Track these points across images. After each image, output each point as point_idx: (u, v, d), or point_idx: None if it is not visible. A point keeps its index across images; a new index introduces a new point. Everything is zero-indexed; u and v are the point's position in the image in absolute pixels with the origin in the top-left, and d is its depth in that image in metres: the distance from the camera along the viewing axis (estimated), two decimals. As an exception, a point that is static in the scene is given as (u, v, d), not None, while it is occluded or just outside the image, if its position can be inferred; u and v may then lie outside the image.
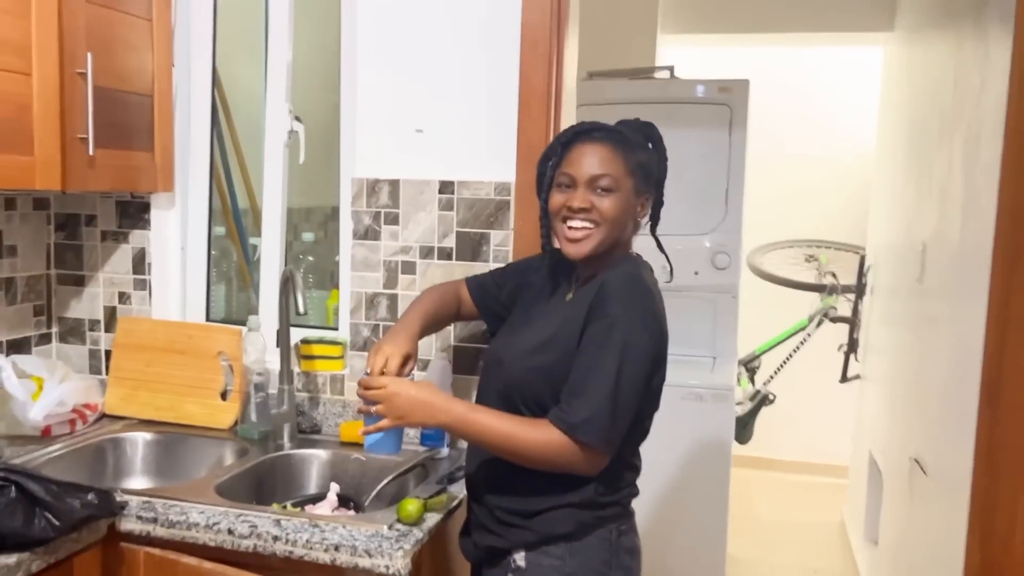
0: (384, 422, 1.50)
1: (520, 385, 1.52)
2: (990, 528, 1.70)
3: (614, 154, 1.51)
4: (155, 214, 2.26)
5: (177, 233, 2.29)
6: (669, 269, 1.68)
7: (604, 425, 1.41)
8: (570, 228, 1.52)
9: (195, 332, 2.20)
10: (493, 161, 2.03)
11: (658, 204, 1.61)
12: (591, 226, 1.51)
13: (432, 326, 1.77)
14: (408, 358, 1.61)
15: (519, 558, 1.52)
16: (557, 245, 1.60)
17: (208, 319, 2.37)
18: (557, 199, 1.54)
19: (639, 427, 1.55)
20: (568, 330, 1.49)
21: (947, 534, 2.16)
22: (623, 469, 1.55)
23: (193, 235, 2.33)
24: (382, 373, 1.56)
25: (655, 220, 1.62)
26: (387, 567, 1.49)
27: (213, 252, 2.40)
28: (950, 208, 2.46)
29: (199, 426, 2.14)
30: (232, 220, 2.63)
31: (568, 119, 2.12)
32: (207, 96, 2.31)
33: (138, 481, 2.07)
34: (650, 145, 1.59)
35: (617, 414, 1.43)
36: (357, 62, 2.12)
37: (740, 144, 3.34)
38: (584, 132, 1.56)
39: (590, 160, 1.51)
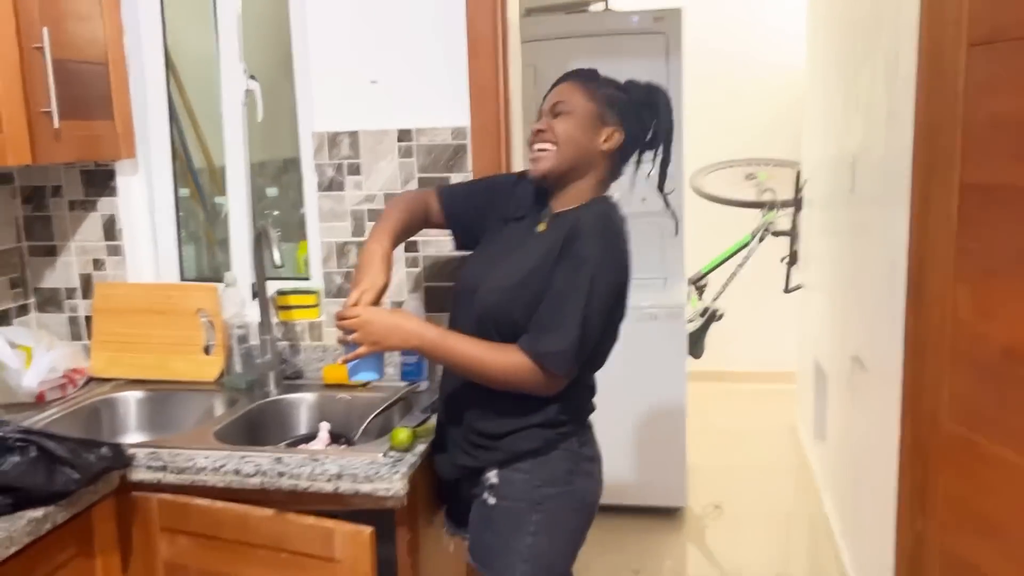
0: (361, 349, 1.61)
1: (497, 315, 1.64)
2: (919, 410, 1.88)
3: (575, 86, 1.65)
4: (121, 181, 2.32)
5: (144, 198, 2.35)
6: (675, 224, 1.86)
7: (568, 357, 1.56)
8: (532, 150, 1.66)
9: (173, 292, 2.29)
10: (448, 106, 2.12)
11: (665, 162, 1.70)
12: (548, 146, 1.63)
13: (403, 238, 1.83)
14: (384, 289, 1.70)
15: (492, 475, 1.68)
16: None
17: (182, 279, 2.44)
18: (531, 127, 1.68)
19: (599, 356, 1.69)
20: (544, 266, 1.60)
21: (884, 420, 2.37)
22: (581, 391, 1.71)
23: (160, 198, 2.39)
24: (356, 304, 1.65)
25: (663, 177, 1.72)
26: (387, 490, 1.63)
27: (179, 213, 2.46)
28: (874, 121, 2.62)
29: (186, 381, 2.25)
30: (192, 181, 2.68)
31: (515, 59, 2.22)
32: (160, 60, 2.35)
33: (135, 437, 2.17)
34: (650, 103, 1.68)
35: (580, 346, 1.57)
36: (307, 15, 2.17)
37: (677, 71, 3.46)
38: (565, 76, 1.69)
39: (554, 94, 1.67)
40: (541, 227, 1.69)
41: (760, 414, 4.74)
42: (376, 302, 1.67)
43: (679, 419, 3.42)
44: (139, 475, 1.73)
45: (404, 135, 2.15)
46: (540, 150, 1.65)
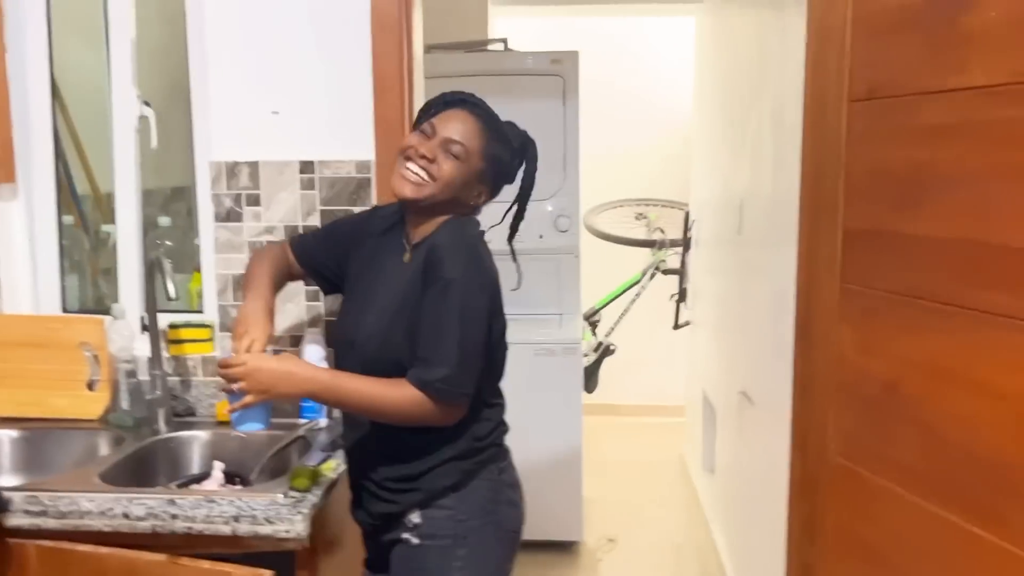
0: (248, 398, 1.55)
1: (380, 361, 1.60)
2: (807, 444, 1.97)
3: (479, 132, 1.62)
4: (-2, 206, 2.20)
5: (23, 224, 2.23)
6: (518, 278, 1.80)
7: (456, 382, 1.54)
8: (408, 168, 1.59)
9: (55, 324, 2.17)
10: (352, 140, 2.11)
11: (519, 216, 1.73)
12: (426, 176, 1.58)
13: (277, 290, 1.79)
14: (269, 340, 1.66)
15: (414, 516, 1.63)
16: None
17: (64, 310, 2.32)
18: (412, 140, 1.62)
19: (492, 371, 1.67)
20: (411, 298, 1.58)
21: (772, 454, 2.46)
22: (488, 413, 1.69)
23: (40, 225, 2.27)
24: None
25: (514, 230, 1.73)
26: (287, 531, 1.58)
27: (63, 241, 2.34)
28: (762, 166, 2.75)
29: (67, 419, 2.12)
30: (75, 208, 2.56)
31: (419, 94, 2.23)
32: (45, 81, 2.24)
33: (8, 479, 2.03)
34: (521, 156, 1.69)
35: (466, 369, 1.55)
36: (206, 43, 2.12)
37: (574, 112, 3.55)
38: (468, 103, 1.65)
39: (457, 125, 1.60)
40: (406, 257, 1.67)
41: (651, 447, 4.84)
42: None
43: (576, 453, 3.45)
44: (15, 520, 1.63)
45: (306, 167, 2.12)
46: (417, 175, 1.59)
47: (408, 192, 1.59)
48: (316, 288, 2.15)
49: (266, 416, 1.64)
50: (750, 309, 2.92)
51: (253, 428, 1.64)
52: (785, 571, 2.13)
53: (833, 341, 1.84)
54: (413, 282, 1.59)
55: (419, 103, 2.21)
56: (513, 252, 1.76)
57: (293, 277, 1.87)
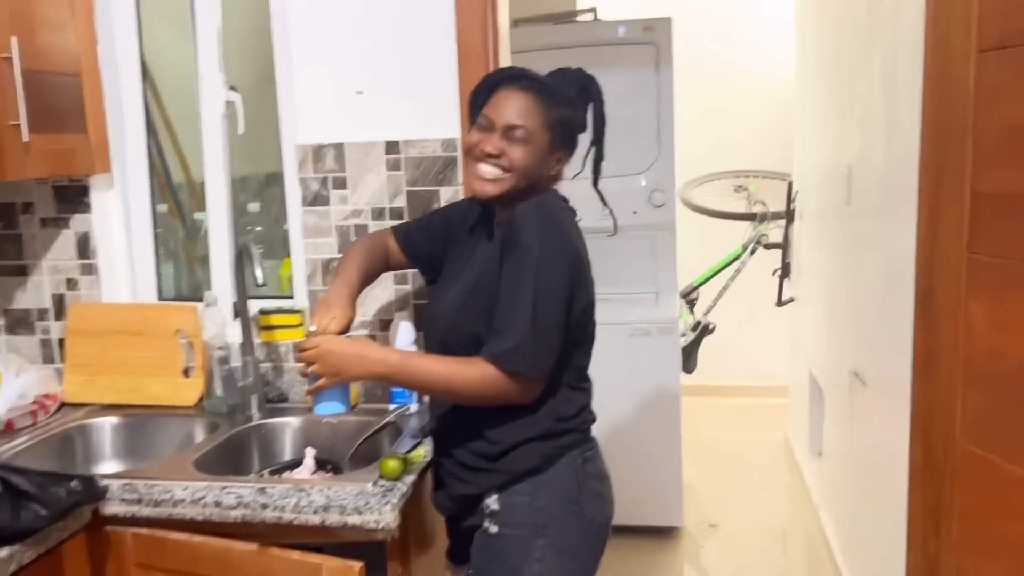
0: (321, 380, 1.53)
1: (456, 333, 1.56)
2: (931, 429, 1.82)
3: (535, 106, 1.54)
4: (95, 196, 2.22)
5: (120, 214, 2.26)
6: (613, 222, 1.72)
7: (528, 352, 1.46)
8: (480, 168, 1.55)
9: (150, 312, 2.19)
10: (437, 118, 2.04)
11: (599, 156, 1.63)
12: (500, 172, 1.54)
13: (367, 281, 1.77)
14: (349, 324, 1.63)
15: (492, 502, 1.58)
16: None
17: (160, 298, 2.35)
18: (473, 138, 1.57)
19: (576, 350, 1.59)
20: (490, 269, 1.53)
21: (889, 439, 2.30)
22: (570, 393, 1.60)
23: (136, 214, 2.30)
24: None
25: (596, 174, 1.65)
26: (377, 522, 1.54)
27: (157, 230, 2.37)
28: (872, 131, 2.57)
29: (164, 405, 2.15)
30: (171, 196, 2.59)
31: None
32: (136, 70, 2.26)
33: (110, 466, 2.07)
34: (584, 100, 1.60)
35: (540, 339, 1.47)
36: (290, 25, 2.09)
37: (668, 82, 3.41)
38: (512, 78, 1.57)
39: (511, 107, 1.53)
40: (492, 239, 1.63)
41: (752, 429, 4.68)
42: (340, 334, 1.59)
43: (674, 436, 3.34)
44: (113, 508, 1.63)
45: (392, 147, 2.07)
46: (491, 172, 1.54)
47: (490, 191, 1.56)
48: (403, 272, 2.11)
49: (344, 398, 1.61)
50: (862, 284, 2.74)
51: (330, 411, 1.61)
52: (906, 563, 1.99)
53: (959, 316, 1.68)
54: (492, 256, 1.55)
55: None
56: (602, 196, 1.66)
57: (391, 267, 1.85)
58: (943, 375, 1.79)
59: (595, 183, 1.66)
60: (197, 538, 1.59)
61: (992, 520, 1.63)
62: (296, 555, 1.53)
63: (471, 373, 1.49)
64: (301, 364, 1.57)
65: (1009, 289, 1.53)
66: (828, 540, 3.26)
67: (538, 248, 1.47)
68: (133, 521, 1.64)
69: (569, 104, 1.58)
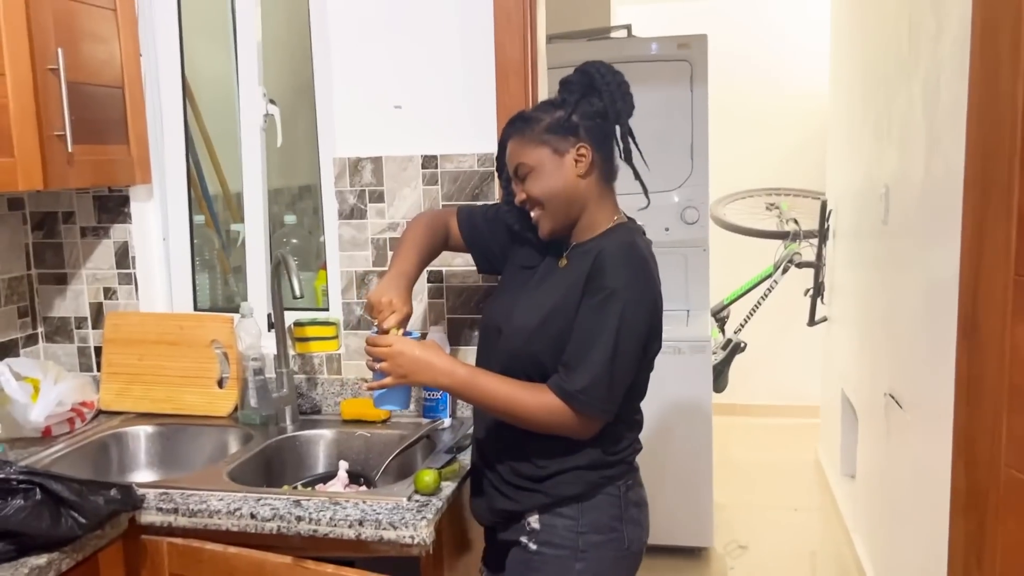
0: (388, 380, 1.53)
1: (523, 357, 1.55)
2: (974, 456, 1.78)
3: (518, 140, 1.56)
4: (135, 207, 2.24)
5: (158, 224, 2.28)
6: (646, 199, 1.67)
7: (601, 396, 1.47)
8: (531, 217, 1.60)
9: (186, 322, 2.20)
10: (474, 133, 2.05)
11: (625, 136, 1.58)
12: (537, 211, 1.57)
13: (425, 263, 1.75)
14: (408, 317, 1.61)
15: (533, 520, 1.57)
16: None
17: (196, 308, 2.36)
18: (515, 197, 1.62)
19: (637, 388, 1.59)
20: (568, 302, 1.52)
21: (927, 463, 2.26)
22: (624, 430, 1.61)
23: (174, 225, 2.32)
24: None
25: (627, 151, 1.59)
26: (412, 537, 1.53)
27: (194, 241, 2.39)
28: (912, 150, 2.54)
29: (198, 415, 2.15)
30: (207, 208, 2.61)
31: (542, 85, 2.15)
32: (177, 83, 2.28)
33: (144, 474, 2.08)
34: (593, 90, 1.54)
35: (613, 384, 1.48)
36: (330, 40, 2.11)
37: (702, 99, 3.39)
38: (508, 129, 1.61)
39: (511, 155, 1.59)
40: (562, 262, 1.61)
41: (784, 449, 4.62)
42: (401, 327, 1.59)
43: (705, 455, 3.31)
44: (149, 517, 1.64)
45: (429, 161, 2.07)
46: (534, 216, 1.59)
47: (546, 231, 1.59)
48: (440, 285, 2.11)
49: (405, 399, 1.63)
50: (899, 305, 2.70)
51: (391, 408, 1.64)
52: (947, 593, 1.94)
53: (1005, 341, 1.65)
54: (573, 286, 1.52)
55: (542, 94, 2.13)
56: (635, 171, 1.62)
57: (450, 247, 1.82)
58: (987, 400, 1.75)
59: (628, 158, 1.61)
60: (232, 549, 1.59)
61: (1039, 549, 1.59)
62: (331, 569, 1.52)
63: (535, 401, 1.49)
64: (363, 366, 1.58)
65: (1059, 312, 1.50)
66: (861, 565, 3.21)
67: (625, 294, 1.47)
68: (169, 531, 1.64)
69: (554, 107, 1.56)
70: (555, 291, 1.57)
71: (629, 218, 1.64)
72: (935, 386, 2.17)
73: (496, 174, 1.67)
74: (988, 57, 1.68)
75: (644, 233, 1.63)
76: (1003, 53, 1.61)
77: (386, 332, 1.56)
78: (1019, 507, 1.64)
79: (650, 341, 1.54)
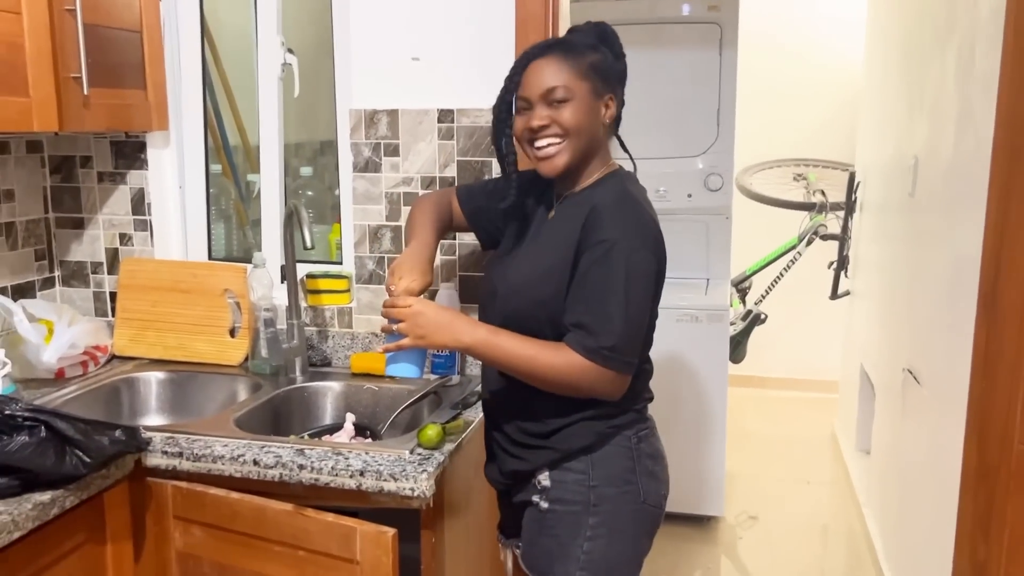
0: (405, 340, 1.50)
1: (518, 318, 1.53)
2: (987, 430, 1.75)
3: (561, 63, 1.49)
4: (151, 153, 2.24)
5: (175, 172, 2.28)
6: (633, 167, 1.64)
7: (626, 350, 1.44)
8: (538, 148, 1.52)
9: (200, 271, 2.21)
10: (492, 88, 1.97)
11: (619, 105, 1.57)
12: (557, 140, 1.50)
13: (440, 237, 1.74)
14: (427, 288, 1.61)
15: (543, 478, 1.56)
16: (531, 167, 1.58)
17: (210, 257, 2.37)
18: (519, 123, 1.54)
19: (648, 336, 1.57)
20: (562, 259, 1.49)
21: (943, 441, 2.23)
22: (633, 378, 1.56)
23: (191, 173, 2.31)
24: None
25: (617, 121, 1.59)
26: (412, 489, 1.53)
27: (211, 190, 2.39)
28: (943, 122, 2.47)
29: (210, 363, 2.17)
30: (225, 157, 2.61)
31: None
32: (196, 30, 2.27)
33: (154, 419, 2.10)
34: (606, 45, 1.54)
35: (633, 336, 1.46)
36: (349, -10, 2.08)
37: (731, 63, 3.32)
38: (532, 53, 1.54)
39: (540, 76, 1.50)
40: (551, 215, 1.59)
41: (800, 422, 4.59)
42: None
43: (719, 426, 3.29)
44: (154, 460, 1.65)
45: (445, 115, 2.05)
46: (548, 145, 1.50)
47: (558, 164, 1.51)
48: (452, 242, 2.09)
49: (420, 362, 1.60)
50: (922, 280, 2.65)
51: (405, 373, 1.59)
52: (953, 569, 1.93)
53: (1026, 316, 1.62)
54: (564, 242, 1.50)
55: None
56: (621, 142, 1.62)
57: (454, 227, 1.81)
58: (1003, 375, 1.72)
59: (615, 130, 1.60)
60: (235, 495, 1.60)
61: (1047, 528, 1.57)
62: (331, 517, 1.53)
63: (560, 362, 1.45)
64: (383, 320, 1.54)
65: (1081, 288, 1.46)
66: (872, 540, 3.19)
67: (626, 242, 1.44)
68: (174, 474, 1.65)
69: (593, 49, 1.53)
70: (547, 248, 1.54)
71: (619, 165, 1.61)
72: (953, 363, 2.13)
73: (498, 105, 1.57)
74: (1023, 24, 1.63)
75: (636, 179, 1.59)
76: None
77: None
78: (1030, 485, 1.62)
79: (659, 285, 1.52)
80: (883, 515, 3.10)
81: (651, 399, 1.64)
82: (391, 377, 2.05)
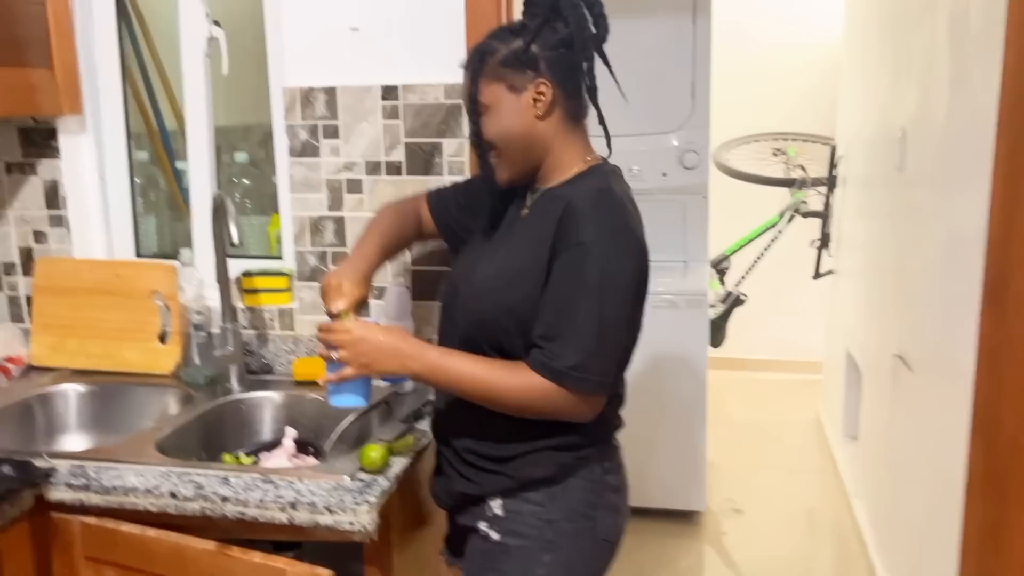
0: (347, 370, 1.33)
1: (484, 325, 1.35)
2: (995, 435, 1.59)
3: (471, 73, 1.35)
4: (64, 140, 2.02)
5: (93, 160, 2.05)
6: (607, 142, 1.43)
7: (595, 368, 1.27)
8: (486, 163, 1.39)
9: (123, 270, 1.99)
10: (440, 61, 1.80)
11: (592, 69, 1.36)
12: (493, 156, 1.38)
13: (392, 252, 1.59)
14: (364, 299, 1.44)
15: (496, 506, 1.38)
16: None
17: (139, 255, 2.15)
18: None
19: (624, 355, 1.39)
20: (532, 262, 1.31)
21: (938, 432, 2.07)
22: (605, 404, 1.38)
23: (111, 162, 2.09)
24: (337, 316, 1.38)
25: (593, 88, 1.37)
26: (351, 523, 1.34)
27: (139, 180, 2.16)
28: (934, 89, 2.29)
29: (138, 373, 1.96)
30: (159, 143, 2.38)
31: (518, 5, 1.89)
32: (110, 2, 2.03)
33: (75, 439, 1.89)
34: (559, 15, 1.32)
35: (604, 352, 1.28)
36: (279, -47, 1.86)
37: (704, 32, 3.12)
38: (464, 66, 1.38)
39: (464, 91, 1.38)
40: (524, 212, 1.41)
41: (782, 406, 4.45)
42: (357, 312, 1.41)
43: (699, 413, 3.13)
44: (58, 494, 1.45)
45: (389, 92, 1.84)
46: (493, 159, 1.38)
47: (504, 179, 1.39)
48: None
49: (366, 392, 1.42)
50: (912, 259, 2.48)
51: (350, 403, 1.42)
52: (958, 579, 1.77)
53: (1039, 305, 1.44)
54: (539, 242, 1.31)
55: (518, 16, 1.89)
56: (600, 115, 1.40)
57: (424, 236, 1.64)
58: (1013, 373, 1.55)
59: (593, 96, 1.38)
60: (151, 532, 1.40)
61: (1068, 542, 1.41)
62: (258, 557, 1.33)
63: (520, 385, 1.28)
64: (322, 347, 1.37)
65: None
66: (860, 530, 3.05)
67: (601, 247, 1.26)
68: (83, 509, 1.45)
69: (512, 35, 1.33)
70: (519, 248, 1.36)
71: (604, 159, 1.42)
72: (950, 349, 1.97)
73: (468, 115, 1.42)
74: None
75: (621, 176, 1.40)
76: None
77: (337, 317, 1.36)
78: (1046, 492, 1.46)
79: (639, 292, 1.33)
80: (874, 507, 2.95)
81: (621, 426, 1.46)
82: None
